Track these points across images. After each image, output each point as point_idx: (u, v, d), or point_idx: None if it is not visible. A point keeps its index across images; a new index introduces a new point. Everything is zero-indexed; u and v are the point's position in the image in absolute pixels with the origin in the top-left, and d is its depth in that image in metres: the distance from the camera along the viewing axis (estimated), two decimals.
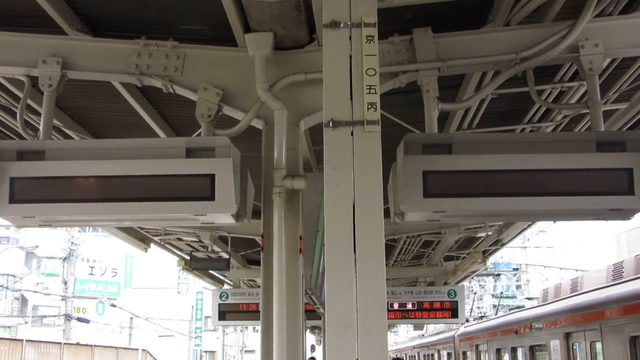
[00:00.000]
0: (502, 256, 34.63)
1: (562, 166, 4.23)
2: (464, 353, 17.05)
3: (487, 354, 14.55)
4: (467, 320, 18.12)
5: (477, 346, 15.51)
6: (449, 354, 19.12)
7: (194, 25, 5.52)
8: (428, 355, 23.28)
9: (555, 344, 9.65)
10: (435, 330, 23.88)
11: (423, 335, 27.99)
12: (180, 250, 14.34)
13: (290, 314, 4.66)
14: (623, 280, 8.37)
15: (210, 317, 17.22)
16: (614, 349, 7.64)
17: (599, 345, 8.12)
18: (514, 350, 12.20)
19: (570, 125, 7.71)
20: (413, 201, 4.17)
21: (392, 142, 4.52)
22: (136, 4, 5.22)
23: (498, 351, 13.52)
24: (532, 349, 11.05)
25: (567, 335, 9.28)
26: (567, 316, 9.27)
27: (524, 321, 11.55)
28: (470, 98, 5.60)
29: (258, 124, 5.28)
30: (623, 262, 8.83)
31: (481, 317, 15.84)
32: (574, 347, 9.11)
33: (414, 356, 26.73)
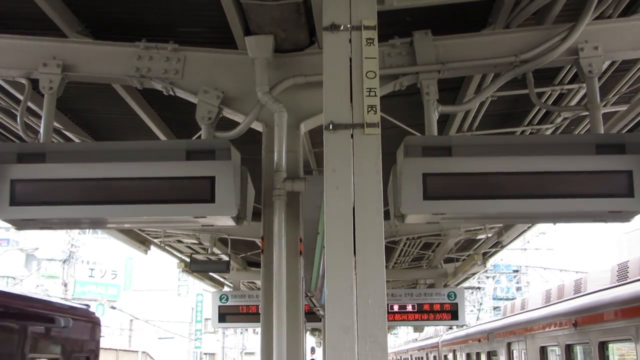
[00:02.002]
0: (502, 258, 34.75)
1: (562, 168, 4.23)
2: (445, 356, 19.82)
3: (461, 358, 17.44)
4: (451, 328, 20.21)
5: (454, 351, 18.24)
6: (434, 357, 21.70)
7: (194, 28, 5.54)
8: (419, 357, 25.57)
9: (502, 351, 12.62)
10: (426, 335, 25.95)
11: (416, 340, 29.53)
12: (180, 252, 14.35)
13: (290, 316, 4.66)
14: (547, 304, 10.79)
15: (210, 319, 17.22)
16: (532, 354, 10.52)
17: (524, 352, 11.09)
18: (478, 355, 15.13)
19: (570, 128, 7.72)
20: (413, 203, 4.17)
21: (392, 144, 4.53)
22: (136, 6, 5.23)
23: (468, 355, 16.30)
24: (489, 354, 14.00)
25: (509, 344, 12.15)
26: (509, 330, 12.23)
27: (484, 332, 14.53)
28: (470, 100, 5.61)
29: (258, 126, 5.29)
30: (551, 289, 11.32)
31: (462, 325, 16.73)
32: (512, 353, 12.04)
33: (408, 358, 29.22)
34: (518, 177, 4.24)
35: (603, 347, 7.84)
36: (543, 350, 10.13)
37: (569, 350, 8.99)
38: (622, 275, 8.47)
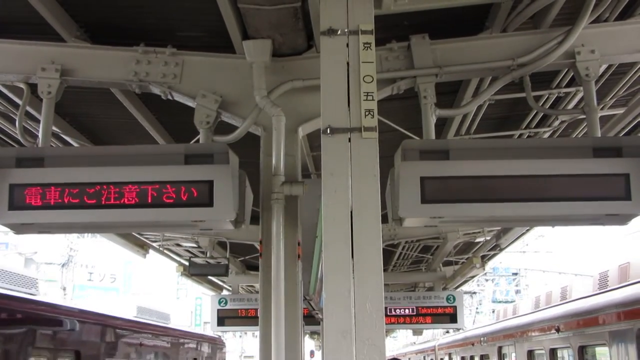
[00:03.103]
0: (501, 261, 34.80)
1: (559, 172, 4.25)
2: (441, 359, 20.64)
3: None
4: (448, 332, 20.85)
5: (450, 354, 19.08)
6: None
7: (193, 32, 5.55)
8: None
9: (493, 353, 13.34)
10: (424, 339, 26.78)
11: (414, 343, 30.49)
12: (179, 256, 14.34)
13: (288, 319, 4.67)
14: (536, 310, 11.42)
15: (209, 322, 17.19)
16: (521, 358, 11.24)
17: (514, 355, 11.84)
18: (472, 358, 15.80)
19: (567, 131, 7.73)
20: (411, 207, 4.18)
21: (389, 148, 4.55)
22: (135, 11, 5.24)
23: (463, 358, 16.99)
24: (482, 357, 14.66)
25: (500, 348, 12.93)
26: (499, 335, 12.98)
27: (477, 336, 15.10)
28: (468, 104, 5.62)
29: (256, 130, 5.30)
30: (540, 296, 11.99)
31: (458, 330, 17.08)
32: (503, 356, 12.84)
33: None
34: (516, 181, 4.25)
35: (582, 351, 8.38)
36: (530, 354, 10.78)
37: (552, 354, 9.58)
38: (603, 283, 8.82)
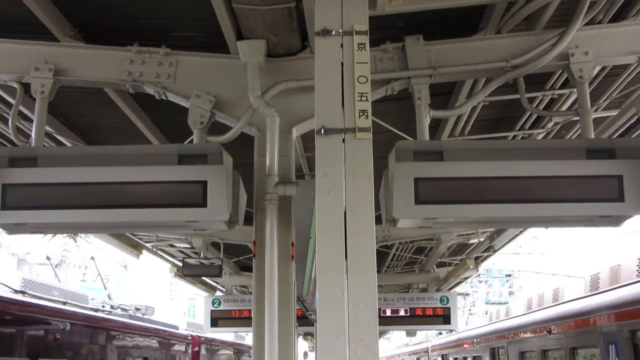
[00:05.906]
0: (494, 262, 34.88)
1: (553, 173, 4.25)
2: None
3: None
4: (441, 333, 21.13)
5: (443, 355, 19.54)
6: None
7: (187, 32, 5.53)
8: None
9: (486, 354, 13.76)
10: (417, 340, 27.21)
11: (408, 345, 30.85)
12: (173, 256, 14.31)
13: (282, 320, 4.66)
14: (528, 312, 11.81)
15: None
16: (513, 359, 11.68)
17: (506, 357, 12.19)
18: (465, 359, 16.27)
19: (561, 133, 7.75)
20: (404, 208, 4.18)
21: (383, 149, 4.55)
22: (129, 11, 5.22)
23: (456, 359, 17.41)
24: (475, 358, 15.13)
25: (493, 350, 13.30)
26: (492, 336, 13.36)
27: (470, 338, 15.58)
28: (462, 105, 5.62)
29: (250, 130, 5.29)
30: (532, 298, 12.34)
31: (451, 331, 17.18)
32: (495, 356, 13.18)
33: None
34: (509, 182, 4.25)
35: (574, 352, 8.60)
36: (523, 355, 11.10)
37: (544, 355, 9.86)
38: (594, 285, 8.94)
